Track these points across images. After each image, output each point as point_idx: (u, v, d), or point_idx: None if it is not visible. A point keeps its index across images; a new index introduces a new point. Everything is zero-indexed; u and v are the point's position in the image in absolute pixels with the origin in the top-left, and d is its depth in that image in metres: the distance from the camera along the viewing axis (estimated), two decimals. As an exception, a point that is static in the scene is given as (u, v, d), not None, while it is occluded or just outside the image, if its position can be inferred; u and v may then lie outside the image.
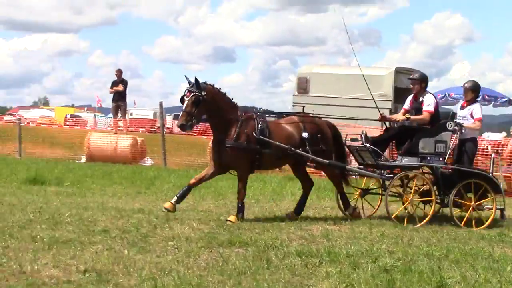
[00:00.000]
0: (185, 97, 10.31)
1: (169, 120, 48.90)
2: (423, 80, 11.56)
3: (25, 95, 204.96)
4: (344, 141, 11.70)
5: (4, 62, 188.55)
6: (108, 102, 37.96)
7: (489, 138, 24.44)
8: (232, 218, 10.33)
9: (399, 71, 25.21)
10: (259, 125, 10.63)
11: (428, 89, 11.71)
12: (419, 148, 11.02)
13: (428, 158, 11.07)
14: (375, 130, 14.59)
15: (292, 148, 10.67)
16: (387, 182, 11.13)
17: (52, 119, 53.21)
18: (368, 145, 11.12)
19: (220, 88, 10.68)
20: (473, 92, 11.77)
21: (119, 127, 24.31)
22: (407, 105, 11.70)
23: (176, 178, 16.66)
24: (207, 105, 10.37)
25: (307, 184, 11.54)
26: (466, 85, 11.84)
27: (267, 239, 8.91)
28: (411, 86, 11.65)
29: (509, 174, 16.12)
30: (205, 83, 10.48)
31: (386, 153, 11.54)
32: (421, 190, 11.24)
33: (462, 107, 11.84)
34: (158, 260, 7.44)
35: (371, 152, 11.08)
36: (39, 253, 7.57)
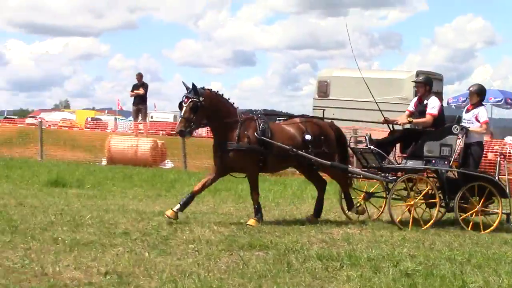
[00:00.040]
0: (183, 103, 10.25)
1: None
2: (427, 83, 11.46)
3: (46, 98, 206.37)
4: (348, 144, 11.69)
5: (26, 65, 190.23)
6: (128, 105, 38.09)
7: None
8: (252, 222, 10.31)
9: (420, 75, 25.09)
10: (261, 126, 10.58)
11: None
12: (424, 151, 10.93)
13: (433, 161, 10.98)
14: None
15: (294, 149, 10.61)
16: (390, 185, 11.05)
17: (73, 122, 53.39)
18: (372, 147, 11.05)
19: (217, 91, 10.62)
20: (479, 96, 11.64)
21: (139, 130, 24.39)
22: (411, 107, 11.63)
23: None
24: (205, 110, 10.31)
25: (320, 185, 11.50)
26: (471, 89, 11.72)
27: (288, 242, 8.89)
28: (416, 89, 11.57)
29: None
30: (202, 88, 10.42)
31: (391, 156, 11.41)
32: (423, 193, 11.09)
33: (468, 111, 11.71)
34: (178, 263, 7.45)
35: (375, 155, 10.99)
36: (61, 255, 7.60)
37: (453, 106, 28.80)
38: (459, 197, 10.86)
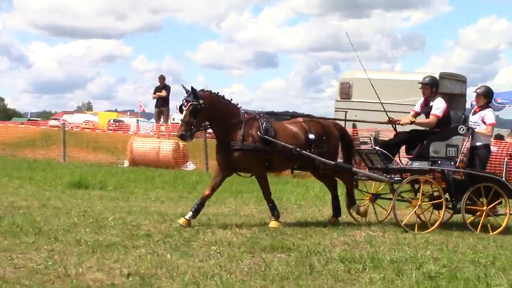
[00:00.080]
0: (183, 107, 10.21)
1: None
2: (433, 85, 11.32)
3: (69, 100, 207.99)
4: (353, 144, 11.57)
5: (49, 67, 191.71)
6: (150, 107, 38.19)
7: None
8: (274, 224, 10.29)
9: (443, 76, 24.93)
10: (263, 125, 10.53)
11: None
12: (430, 152, 10.81)
13: (439, 162, 10.86)
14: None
15: (297, 149, 10.53)
16: (395, 186, 10.94)
17: (96, 123, 53.65)
18: (377, 148, 10.96)
19: (218, 92, 10.55)
20: (486, 98, 11.50)
21: (161, 132, 24.46)
22: (417, 107, 11.49)
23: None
24: (206, 112, 10.25)
25: (330, 183, 11.45)
26: (478, 91, 11.57)
27: (310, 244, 8.87)
28: (421, 90, 11.43)
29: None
30: (202, 90, 10.35)
31: (396, 157, 11.29)
32: (427, 194, 11.00)
33: (474, 113, 11.55)
34: (200, 265, 7.45)
35: (381, 156, 10.89)
36: (84, 256, 7.64)
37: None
38: (466, 198, 10.76)
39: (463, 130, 10.98)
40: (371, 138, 11.26)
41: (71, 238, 8.69)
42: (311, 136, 10.77)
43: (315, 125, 11.01)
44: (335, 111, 25.75)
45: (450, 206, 11.04)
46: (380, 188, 11.97)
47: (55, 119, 58.00)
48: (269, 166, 10.80)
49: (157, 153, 22.10)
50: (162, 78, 24.45)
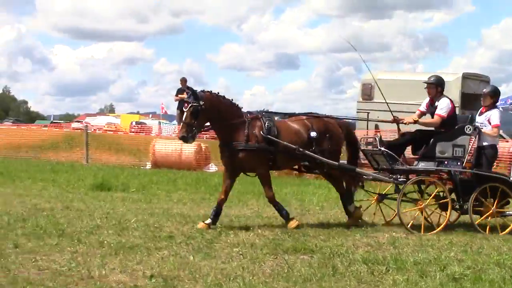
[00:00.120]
0: (183, 108, 10.16)
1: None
2: (439, 84, 11.15)
3: (91, 102, 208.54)
4: (359, 145, 11.48)
5: (72, 70, 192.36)
6: (172, 109, 38.23)
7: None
8: (292, 224, 10.25)
9: (466, 77, 24.78)
10: (266, 124, 10.44)
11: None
12: (436, 152, 10.69)
13: (446, 162, 10.73)
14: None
15: (300, 149, 10.44)
16: (400, 187, 10.81)
17: (118, 126, 53.86)
18: (383, 148, 10.85)
19: (218, 93, 10.49)
20: (492, 98, 11.28)
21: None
22: (423, 107, 11.34)
23: (240, 185, 16.64)
24: (207, 113, 10.18)
25: (337, 183, 11.34)
26: (484, 91, 11.40)
27: (333, 246, 8.84)
28: (427, 90, 11.29)
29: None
30: (202, 91, 10.29)
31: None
32: (432, 195, 10.84)
33: (481, 113, 11.34)
34: (223, 266, 7.45)
35: (386, 156, 10.77)
36: (107, 258, 7.66)
37: (500, 109, 28.36)
38: (474, 199, 10.64)
39: (470, 130, 10.84)
40: (377, 138, 11.17)
41: (94, 240, 8.73)
42: (313, 133, 10.66)
43: (317, 123, 10.90)
44: (357, 112, 25.67)
45: (457, 207, 10.93)
46: (387, 189, 11.83)
47: (78, 121, 58.31)
48: (272, 165, 10.75)
49: (179, 155, 22.17)
50: (184, 81, 24.54)
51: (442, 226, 10.58)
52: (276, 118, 10.97)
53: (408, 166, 10.90)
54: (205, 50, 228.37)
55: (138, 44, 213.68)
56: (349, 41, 12.23)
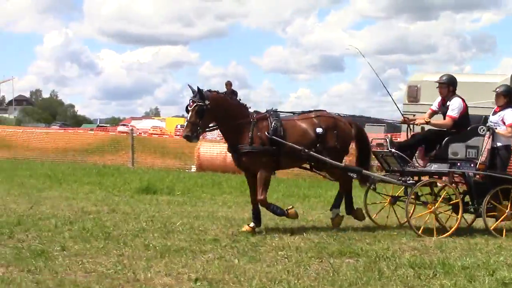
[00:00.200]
0: (188, 107, 10.04)
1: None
2: (451, 84, 10.88)
3: (137, 106, 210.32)
4: (370, 146, 11.29)
5: (118, 74, 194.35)
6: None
7: None
8: (291, 211, 10.24)
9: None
10: (273, 124, 10.27)
11: None
12: (449, 153, 10.43)
13: (458, 164, 10.47)
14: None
15: (306, 150, 10.24)
16: (409, 190, 10.58)
17: (163, 129, 54.28)
18: (393, 150, 10.62)
19: (225, 92, 10.32)
20: (505, 97, 10.92)
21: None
22: (435, 106, 11.10)
23: (285, 188, 16.64)
24: (212, 113, 10.06)
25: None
26: (497, 90, 11.03)
27: (379, 249, 8.76)
28: (438, 89, 11.04)
29: None
30: (209, 91, 10.16)
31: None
32: (440, 199, 10.61)
33: (495, 113, 11.04)
34: (268, 270, 7.42)
35: (397, 158, 10.56)
36: (152, 261, 7.70)
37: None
38: (488, 203, 10.40)
39: (483, 130, 10.58)
40: (387, 140, 10.98)
41: (139, 243, 8.78)
42: (319, 130, 10.46)
43: (326, 120, 10.68)
44: (403, 114, 25.41)
45: (471, 210, 10.71)
46: (400, 190, 11.56)
47: (124, 125, 58.89)
48: (278, 165, 10.61)
49: (224, 158, 22.17)
50: (229, 84, 24.55)
51: (453, 229, 10.34)
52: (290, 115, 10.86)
53: (419, 168, 10.70)
54: (250, 53, 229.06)
55: (183, 47, 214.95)
56: (354, 46, 12.14)
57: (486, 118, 11.02)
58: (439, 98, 11.08)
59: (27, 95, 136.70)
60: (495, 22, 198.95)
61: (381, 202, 11.63)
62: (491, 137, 10.73)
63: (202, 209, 12.63)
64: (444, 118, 10.80)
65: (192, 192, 15.73)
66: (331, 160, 10.43)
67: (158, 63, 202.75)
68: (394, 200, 11.41)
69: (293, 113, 11.09)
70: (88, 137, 30.38)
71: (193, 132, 10.01)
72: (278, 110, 10.66)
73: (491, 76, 26.21)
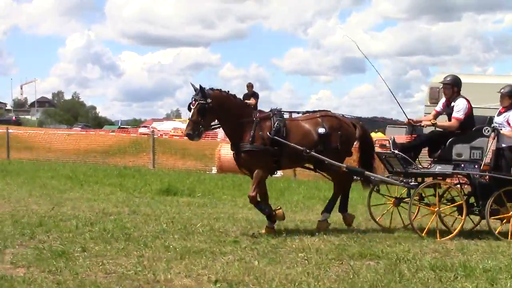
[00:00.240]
0: (191, 106, 10.01)
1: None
2: (455, 84, 10.73)
3: (158, 107, 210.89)
4: (373, 147, 11.17)
5: (139, 76, 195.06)
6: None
7: None
8: (278, 212, 10.18)
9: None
10: (275, 124, 10.20)
11: None
12: (453, 154, 10.32)
13: (463, 165, 10.35)
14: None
15: (307, 150, 10.16)
16: (412, 191, 10.51)
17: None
18: (396, 151, 10.53)
19: (228, 91, 10.32)
20: (510, 98, 10.80)
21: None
22: (439, 107, 10.97)
23: (306, 190, 16.62)
24: (214, 112, 10.02)
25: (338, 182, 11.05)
26: (502, 91, 10.87)
27: (399, 251, 8.72)
28: (443, 90, 10.90)
29: None
30: (211, 89, 10.11)
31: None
32: (442, 200, 10.55)
33: (499, 114, 10.92)
34: (288, 272, 7.41)
35: (400, 159, 10.47)
36: (172, 262, 7.71)
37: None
38: (492, 203, 10.28)
39: (488, 131, 10.46)
40: (390, 141, 10.89)
41: (160, 244, 8.80)
42: (321, 130, 10.39)
43: (330, 120, 10.61)
44: (424, 116, 25.29)
45: (476, 211, 10.60)
46: (403, 192, 11.43)
47: (145, 126, 59.00)
48: (279, 165, 10.56)
49: (245, 159, 22.17)
50: (250, 86, 24.56)
51: (457, 230, 10.26)
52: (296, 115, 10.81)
53: (423, 170, 10.62)
54: (270, 55, 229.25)
55: (204, 49, 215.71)
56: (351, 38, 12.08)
57: (491, 119, 10.94)
58: (443, 99, 11.01)
59: (49, 96, 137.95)
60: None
61: (385, 204, 11.54)
62: (495, 138, 10.62)
63: (223, 210, 12.65)
64: (449, 119, 10.73)
65: (213, 193, 15.75)
66: (333, 161, 10.39)
67: (179, 65, 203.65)
68: (398, 201, 11.35)
69: (298, 112, 11.08)
70: (110, 138, 30.48)
71: (195, 130, 9.99)
72: (282, 110, 10.63)
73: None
